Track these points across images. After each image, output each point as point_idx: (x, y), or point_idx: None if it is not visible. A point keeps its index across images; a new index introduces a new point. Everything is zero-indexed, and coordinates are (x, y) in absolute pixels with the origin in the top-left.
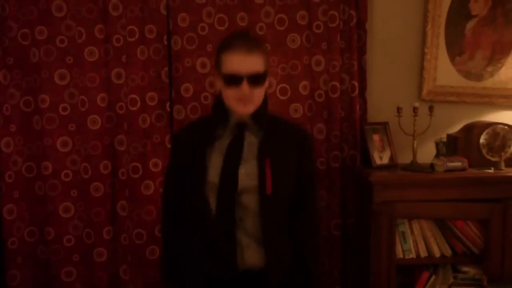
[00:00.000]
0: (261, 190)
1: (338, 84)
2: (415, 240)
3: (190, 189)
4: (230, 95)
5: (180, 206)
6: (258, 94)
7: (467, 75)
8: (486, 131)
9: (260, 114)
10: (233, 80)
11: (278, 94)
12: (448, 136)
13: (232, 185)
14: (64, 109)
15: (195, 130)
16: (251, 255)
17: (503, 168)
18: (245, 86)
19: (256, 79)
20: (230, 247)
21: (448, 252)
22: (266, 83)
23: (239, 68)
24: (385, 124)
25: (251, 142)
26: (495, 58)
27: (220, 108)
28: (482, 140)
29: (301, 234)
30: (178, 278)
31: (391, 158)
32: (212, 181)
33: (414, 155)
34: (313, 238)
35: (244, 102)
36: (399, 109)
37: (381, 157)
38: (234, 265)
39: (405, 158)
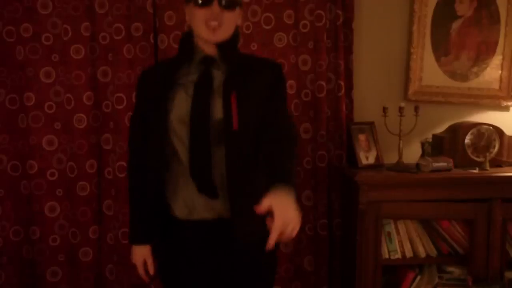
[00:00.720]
0: (227, 125)
1: (324, 84)
2: (401, 240)
3: (152, 131)
4: (199, 17)
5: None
6: (228, 20)
7: (453, 75)
8: (471, 131)
9: (228, 48)
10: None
11: None
12: (434, 136)
13: (203, 122)
14: (50, 107)
15: (160, 70)
16: (218, 202)
17: (488, 168)
18: (215, 6)
19: (227, 1)
20: (205, 186)
21: (433, 252)
22: (238, 13)
23: None
24: (371, 124)
25: (218, 78)
26: (480, 58)
27: (186, 43)
28: (467, 140)
29: (271, 146)
30: (149, 239)
31: (377, 158)
32: (177, 120)
33: (400, 155)
34: (287, 146)
35: (213, 27)
36: (385, 109)
37: (367, 157)
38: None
39: (391, 158)
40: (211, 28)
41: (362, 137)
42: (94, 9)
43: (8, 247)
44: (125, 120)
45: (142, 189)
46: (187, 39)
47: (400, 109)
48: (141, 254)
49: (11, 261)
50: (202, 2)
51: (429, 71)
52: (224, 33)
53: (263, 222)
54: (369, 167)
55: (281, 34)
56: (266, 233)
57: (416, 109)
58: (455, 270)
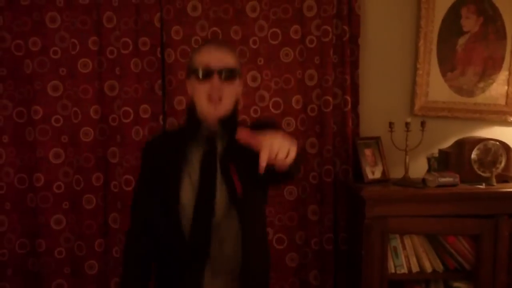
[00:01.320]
0: (232, 196)
1: (330, 99)
2: (407, 255)
3: (161, 210)
4: (201, 92)
5: (150, 226)
6: (229, 93)
7: (459, 90)
8: (477, 146)
9: (229, 120)
10: (204, 72)
11: (271, 108)
12: (440, 151)
13: (208, 211)
14: (57, 120)
15: (166, 143)
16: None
17: (495, 184)
18: (215, 79)
19: (227, 74)
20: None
21: (439, 267)
22: (238, 84)
23: (209, 61)
24: (377, 139)
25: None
26: (486, 74)
27: (192, 118)
28: (473, 155)
29: None
30: None
31: (383, 173)
32: (185, 204)
33: (406, 170)
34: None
35: (215, 102)
36: (391, 124)
37: (373, 172)
38: None
39: (397, 173)
40: (212, 103)
41: (368, 152)
42: (102, 24)
43: (14, 260)
44: (132, 134)
45: (137, 259)
46: (193, 114)
47: (407, 124)
48: None
49: (16, 274)
50: (202, 76)
51: (435, 87)
52: (225, 107)
53: None
54: (375, 182)
55: (287, 49)
56: None
57: (423, 124)
58: (461, 286)
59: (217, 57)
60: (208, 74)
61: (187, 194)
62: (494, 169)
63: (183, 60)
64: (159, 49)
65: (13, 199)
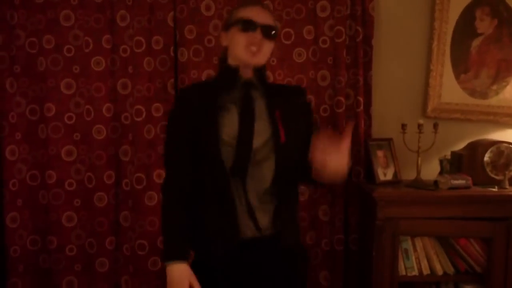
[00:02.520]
0: (276, 139)
1: (343, 99)
2: (418, 257)
3: (202, 151)
4: (242, 41)
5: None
6: (267, 49)
7: (472, 92)
8: (490, 149)
9: (263, 74)
10: (248, 25)
11: None
12: (453, 153)
13: (248, 143)
14: (70, 118)
15: (201, 91)
16: (263, 219)
17: (507, 187)
18: (258, 33)
19: (269, 31)
20: (247, 211)
21: (450, 270)
22: (272, 45)
23: (255, 17)
24: (389, 140)
25: (258, 99)
26: (500, 76)
27: (226, 68)
28: (486, 158)
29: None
30: (187, 255)
31: (395, 175)
32: (227, 140)
33: (418, 172)
34: None
35: (253, 51)
36: (403, 126)
37: (385, 173)
38: (250, 228)
39: (409, 175)
40: (250, 52)
41: (380, 153)
42: (115, 22)
43: (25, 256)
44: (144, 132)
45: (178, 205)
46: (228, 65)
47: (419, 126)
48: (185, 273)
49: (27, 270)
50: (246, 28)
51: (449, 88)
52: (261, 58)
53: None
54: (387, 183)
55: (300, 50)
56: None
57: (435, 126)
58: None
59: (262, 15)
60: (252, 27)
61: (227, 130)
62: (507, 172)
63: (196, 59)
64: (172, 48)
65: (25, 196)
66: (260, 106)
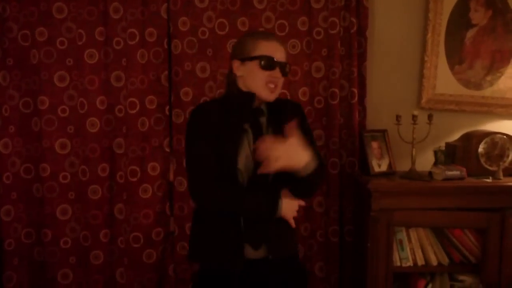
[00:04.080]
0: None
1: (337, 91)
2: (413, 248)
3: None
4: (262, 78)
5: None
6: (281, 83)
7: (467, 83)
8: (484, 140)
9: (274, 104)
10: (269, 63)
11: None
12: (447, 144)
13: (265, 176)
14: (63, 111)
15: (218, 111)
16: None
17: (501, 177)
18: (277, 71)
19: (285, 68)
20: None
21: (445, 260)
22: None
23: (275, 54)
24: (384, 132)
25: (264, 126)
26: (494, 67)
27: (242, 94)
28: (480, 149)
29: None
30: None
31: (390, 166)
32: (243, 171)
33: (413, 163)
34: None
35: (272, 89)
36: (398, 117)
37: (379, 165)
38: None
39: (403, 166)
40: (269, 89)
41: (374, 144)
42: (108, 14)
43: (20, 249)
44: (138, 125)
45: (233, 185)
46: (244, 92)
47: (413, 117)
48: (291, 199)
49: (22, 263)
50: (267, 66)
51: (443, 79)
52: (277, 94)
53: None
54: (382, 174)
55: (294, 41)
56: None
57: (430, 117)
58: (467, 279)
59: (280, 52)
60: (272, 65)
61: (245, 161)
62: (501, 163)
63: (190, 51)
64: (166, 40)
65: (19, 189)
66: (267, 131)
